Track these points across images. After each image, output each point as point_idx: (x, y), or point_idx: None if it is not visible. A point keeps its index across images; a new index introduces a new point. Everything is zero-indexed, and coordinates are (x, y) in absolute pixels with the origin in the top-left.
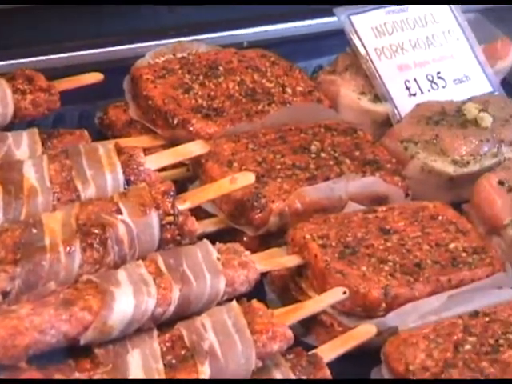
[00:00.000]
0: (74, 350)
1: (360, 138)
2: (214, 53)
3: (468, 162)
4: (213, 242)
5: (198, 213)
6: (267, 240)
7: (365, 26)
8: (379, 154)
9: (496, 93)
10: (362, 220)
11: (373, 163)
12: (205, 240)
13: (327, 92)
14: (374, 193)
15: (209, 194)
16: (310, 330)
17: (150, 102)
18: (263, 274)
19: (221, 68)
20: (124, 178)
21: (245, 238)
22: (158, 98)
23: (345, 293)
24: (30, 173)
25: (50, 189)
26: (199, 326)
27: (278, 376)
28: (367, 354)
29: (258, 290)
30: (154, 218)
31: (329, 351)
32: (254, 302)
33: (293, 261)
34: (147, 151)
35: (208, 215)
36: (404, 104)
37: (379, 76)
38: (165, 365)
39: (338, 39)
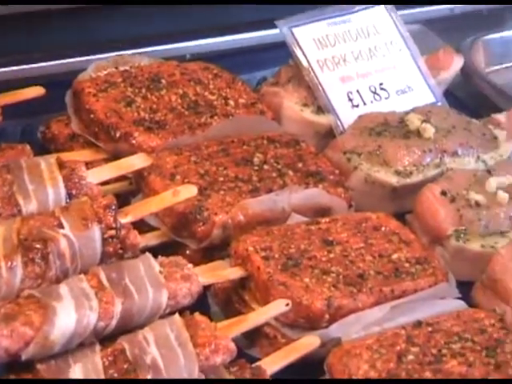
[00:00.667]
0: (16, 366)
1: (303, 149)
2: (157, 65)
3: (411, 173)
4: (155, 255)
5: (141, 226)
6: (210, 253)
7: (307, 37)
8: (322, 166)
9: (439, 103)
10: (305, 232)
11: (316, 175)
12: (147, 253)
13: (270, 104)
14: (317, 204)
15: (151, 207)
16: (253, 342)
17: (92, 115)
18: (207, 287)
19: (163, 81)
20: (66, 192)
21: (188, 251)
22: (100, 111)
23: (287, 305)
24: None
25: None
26: (141, 339)
27: None
28: (311, 366)
29: (202, 303)
30: (95, 231)
31: (272, 363)
32: (197, 314)
33: (236, 273)
34: (89, 165)
35: (151, 228)
36: (347, 115)
37: (322, 88)
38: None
39: (282, 51)
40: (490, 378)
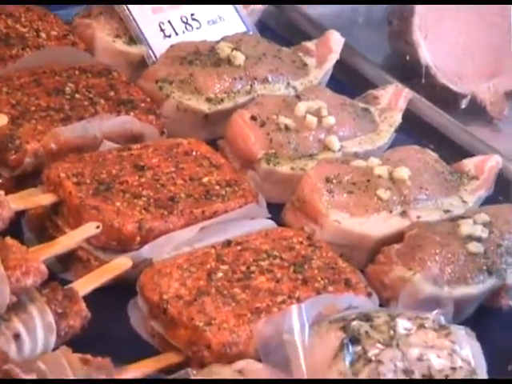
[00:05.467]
0: None
1: (115, 78)
2: None
3: (222, 100)
4: None
5: None
6: (23, 181)
7: None
8: (134, 94)
9: (250, 32)
10: (117, 158)
11: (127, 103)
12: None
13: (82, 36)
14: (129, 131)
15: None
16: (68, 266)
17: None
18: (21, 215)
19: None
20: None
21: (0, 180)
22: None
23: (98, 227)
24: None
25: None
26: None
27: (34, 310)
28: (125, 287)
29: (17, 231)
30: None
31: (85, 285)
32: (8, 238)
33: (48, 199)
34: None
35: None
36: (159, 45)
37: (133, 19)
38: None
39: None
40: (297, 292)
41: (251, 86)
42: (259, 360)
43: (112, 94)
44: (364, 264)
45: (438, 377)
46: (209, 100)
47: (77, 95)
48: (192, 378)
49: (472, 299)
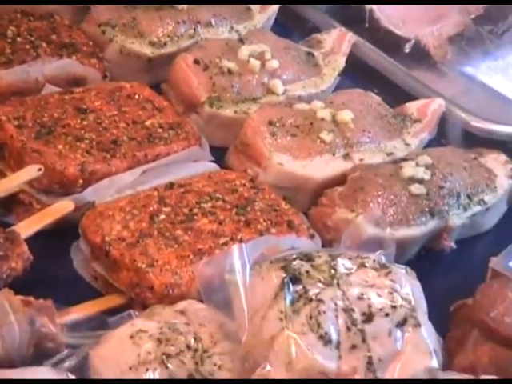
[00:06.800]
0: None
1: (57, 22)
2: None
3: (165, 44)
4: None
5: None
6: None
7: None
8: (76, 38)
9: None
10: (59, 101)
11: (69, 46)
12: None
13: None
14: (71, 75)
15: None
16: (10, 210)
17: None
18: None
19: None
20: None
21: None
22: None
23: (40, 170)
24: None
25: None
26: None
27: None
28: (67, 230)
29: None
30: None
31: (27, 228)
32: None
33: None
34: None
35: None
36: None
37: None
38: None
39: None
40: (240, 234)
41: (194, 29)
42: (201, 301)
43: (54, 37)
44: (307, 206)
45: (378, 315)
46: (152, 44)
47: (18, 39)
48: (134, 318)
49: (414, 241)
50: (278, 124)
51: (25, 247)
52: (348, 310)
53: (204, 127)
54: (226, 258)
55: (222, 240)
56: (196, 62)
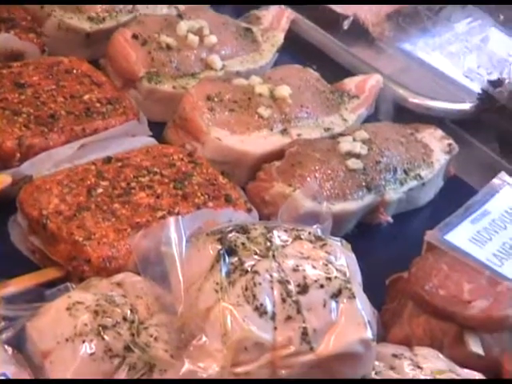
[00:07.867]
0: None
1: None
2: None
3: (104, 19)
4: None
5: None
6: None
7: None
8: (14, 13)
9: None
10: None
11: (8, 21)
12: None
13: None
14: (9, 49)
15: None
16: None
17: None
18: None
19: None
20: None
21: None
22: None
23: None
24: None
25: None
26: None
27: None
28: (4, 204)
29: None
30: None
31: None
32: None
33: None
34: None
35: None
36: None
37: None
38: None
39: None
40: (177, 208)
41: (133, 5)
42: (139, 274)
43: None
44: (245, 181)
45: (313, 286)
46: (90, 19)
47: None
48: (71, 291)
49: (351, 215)
50: (216, 99)
51: None
52: (283, 282)
53: (142, 102)
54: (162, 231)
55: (159, 213)
56: (134, 36)
